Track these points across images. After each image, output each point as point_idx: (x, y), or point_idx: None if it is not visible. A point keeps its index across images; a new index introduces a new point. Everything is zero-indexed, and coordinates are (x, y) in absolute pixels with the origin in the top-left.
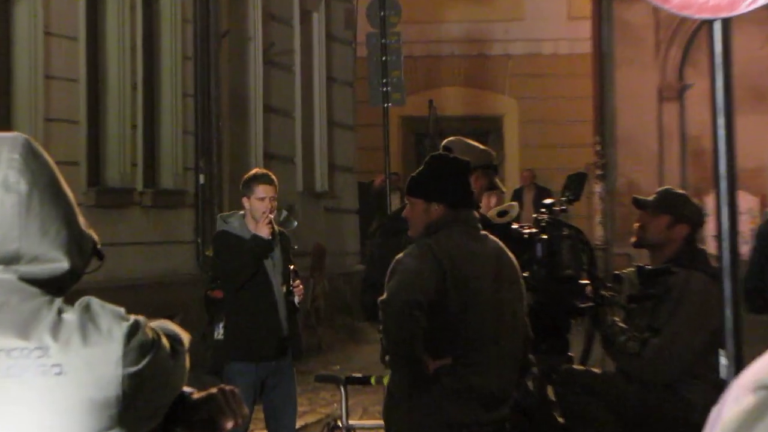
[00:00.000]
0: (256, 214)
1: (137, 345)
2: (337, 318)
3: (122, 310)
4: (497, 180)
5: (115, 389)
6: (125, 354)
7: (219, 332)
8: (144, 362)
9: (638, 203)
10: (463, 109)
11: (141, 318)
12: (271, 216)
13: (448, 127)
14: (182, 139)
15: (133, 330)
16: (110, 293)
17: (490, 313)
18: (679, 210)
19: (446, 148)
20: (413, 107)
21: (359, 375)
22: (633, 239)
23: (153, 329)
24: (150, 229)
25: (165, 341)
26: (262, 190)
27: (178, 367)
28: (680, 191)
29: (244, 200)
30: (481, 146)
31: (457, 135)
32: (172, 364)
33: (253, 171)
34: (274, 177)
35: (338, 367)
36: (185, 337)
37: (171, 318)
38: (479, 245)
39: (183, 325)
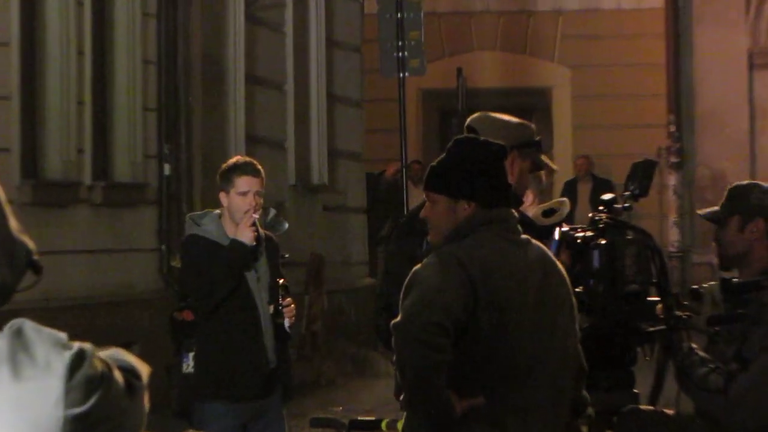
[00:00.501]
0: (237, 213)
1: (82, 380)
2: (340, 345)
3: (64, 336)
4: (544, 158)
5: None
6: (67, 391)
7: (188, 364)
8: (91, 402)
9: (708, 218)
10: (501, 80)
11: (87, 346)
12: (256, 216)
13: (482, 102)
14: (142, 118)
15: (78, 361)
16: (50, 315)
17: (532, 340)
18: (745, 202)
19: (470, 128)
20: (437, 77)
21: (367, 418)
22: (716, 260)
23: (102, 360)
24: (101, 234)
25: (118, 375)
26: (244, 183)
27: (134, 407)
28: (748, 182)
29: (222, 196)
30: (515, 119)
31: (494, 110)
32: (126, 404)
33: (233, 159)
34: (259, 166)
35: (341, 408)
36: (144, 370)
37: (127, 346)
38: (519, 253)
39: (143, 355)
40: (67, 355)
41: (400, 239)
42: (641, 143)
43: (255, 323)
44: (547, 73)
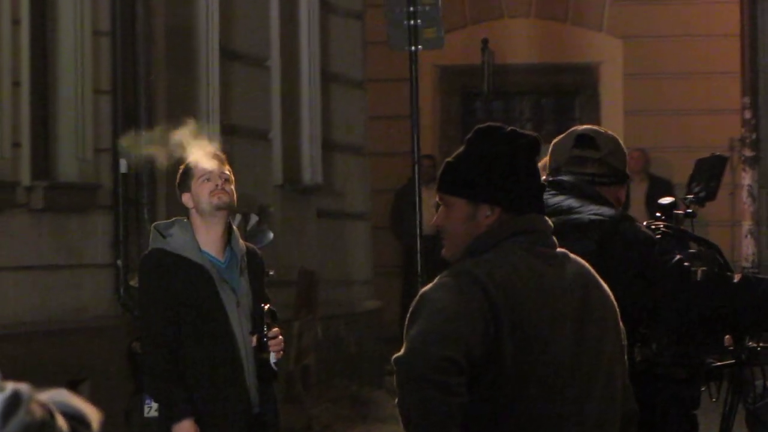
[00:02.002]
0: (203, 202)
1: (20, 429)
2: (337, 383)
3: None
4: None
5: None
6: None
7: (151, 407)
8: None
9: None
10: (536, 55)
11: (24, 387)
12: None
13: (512, 82)
14: (92, 103)
15: (12, 406)
16: None
17: (569, 381)
18: None
19: (582, 136)
20: (457, 52)
21: None
22: None
23: (42, 405)
24: (43, 246)
25: (61, 423)
26: (203, 165)
27: None
28: None
29: (185, 198)
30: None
31: (529, 92)
32: None
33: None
34: (221, 154)
35: None
36: (94, 415)
37: (75, 385)
38: (553, 271)
39: (95, 395)
40: (0, 399)
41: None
42: (709, 133)
43: (234, 358)
44: (594, 46)
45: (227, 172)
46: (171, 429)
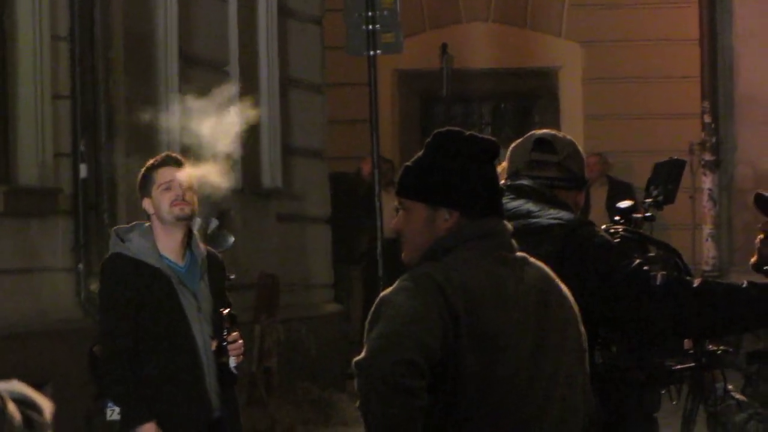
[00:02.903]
0: (164, 210)
1: None
2: (299, 386)
3: None
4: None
5: None
6: None
7: (113, 410)
8: None
9: (764, 204)
10: (495, 59)
11: None
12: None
13: (471, 87)
14: (52, 108)
15: None
16: None
17: (529, 380)
18: None
19: (546, 143)
20: (416, 57)
21: None
22: (753, 259)
23: None
24: (3, 250)
25: (12, 409)
26: (166, 173)
27: None
28: None
29: (146, 204)
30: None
31: (488, 96)
32: None
33: (151, 160)
34: (181, 159)
35: None
36: (46, 404)
37: (37, 389)
38: (513, 275)
39: (56, 400)
40: None
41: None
42: (669, 137)
43: (194, 363)
44: (553, 51)
45: (189, 179)
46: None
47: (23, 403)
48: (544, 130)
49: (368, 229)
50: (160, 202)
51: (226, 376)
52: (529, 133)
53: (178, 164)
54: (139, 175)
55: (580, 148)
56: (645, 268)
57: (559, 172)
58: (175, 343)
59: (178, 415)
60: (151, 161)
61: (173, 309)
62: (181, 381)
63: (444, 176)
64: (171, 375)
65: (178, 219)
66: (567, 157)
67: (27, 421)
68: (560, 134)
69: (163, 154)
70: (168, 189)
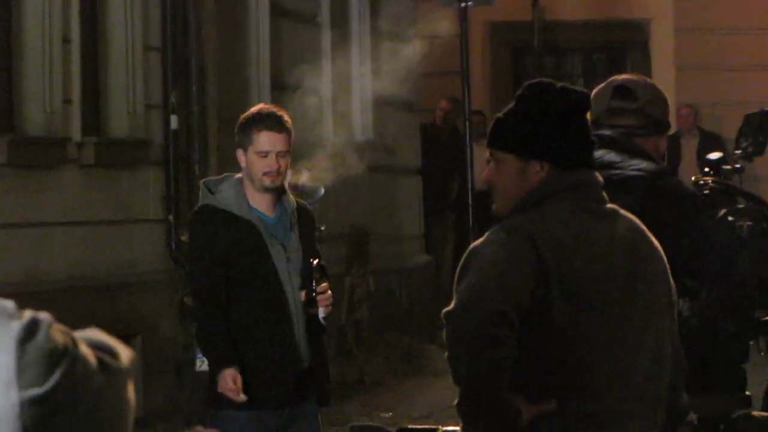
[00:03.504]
0: (256, 176)
1: (41, 354)
2: (389, 337)
3: (10, 304)
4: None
5: (7, 426)
6: (21, 369)
7: (203, 361)
8: (53, 380)
9: None
10: (586, 11)
11: (44, 315)
12: (284, 180)
13: (563, 38)
14: (142, 59)
15: (31, 332)
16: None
17: (619, 336)
18: None
19: (627, 90)
20: (507, 8)
21: (419, 426)
22: None
23: (64, 332)
24: (93, 201)
25: (86, 351)
26: (265, 141)
27: (111, 390)
28: None
29: (239, 154)
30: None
31: (579, 48)
32: (100, 384)
33: (255, 109)
34: (287, 118)
35: (390, 413)
36: (125, 351)
37: (128, 339)
38: (604, 227)
39: (146, 350)
40: (17, 326)
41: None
42: (760, 89)
43: (284, 314)
44: (645, 1)
45: (288, 147)
46: (217, 378)
47: (98, 347)
48: (625, 76)
49: (457, 180)
50: (253, 165)
51: (315, 326)
52: (609, 79)
53: (281, 128)
54: (240, 123)
55: (671, 99)
56: (730, 218)
57: (638, 120)
58: (264, 294)
59: (268, 364)
60: (255, 112)
61: (262, 260)
62: (271, 331)
63: (536, 128)
64: (260, 325)
65: (267, 189)
66: (647, 103)
67: (102, 365)
68: (641, 78)
69: (267, 111)
70: (265, 157)
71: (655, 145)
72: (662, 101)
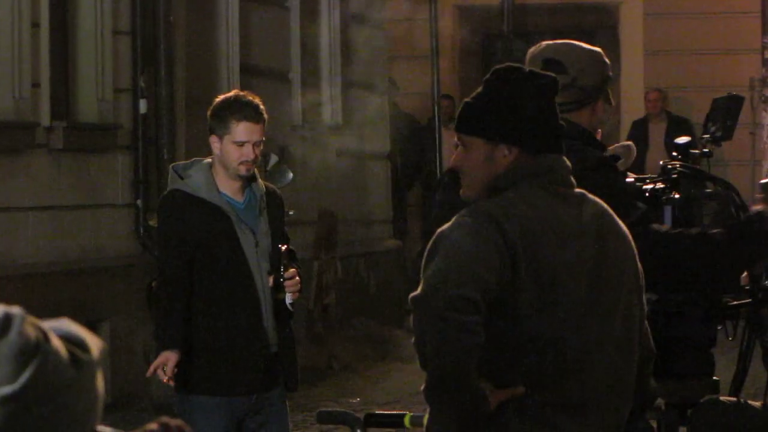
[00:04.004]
0: (231, 164)
1: (13, 350)
2: (357, 323)
3: None
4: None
5: None
6: None
7: None
8: (24, 377)
9: None
10: None
11: (16, 310)
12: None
13: (532, 22)
14: (111, 42)
15: (3, 329)
16: None
17: (587, 320)
18: None
19: (551, 61)
20: None
21: (387, 412)
22: None
23: (36, 326)
24: (62, 186)
25: (58, 344)
26: (242, 131)
27: (81, 385)
28: None
29: (213, 141)
30: (595, 48)
31: (549, 32)
32: (71, 379)
33: (231, 94)
34: (262, 107)
35: (357, 399)
36: (95, 343)
37: (94, 325)
38: (572, 212)
39: (114, 336)
40: None
41: (447, 196)
42: (729, 73)
43: (252, 299)
44: None
45: (262, 136)
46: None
47: (69, 340)
48: (554, 43)
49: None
50: (229, 154)
51: (283, 312)
52: (541, 47)
53: (258, 119)
54: (215, 109)
55: (640, 83)
56: (649, 217)
57: (570, 95)
58: (233, 279)
59: (237, 350)
60: (231, 96)
61: (231, 245)
62: (239, 317)
63: (504, 112)
64: (229, 311)
65: (241, 177)
66: (580, 73)
67: (73, 358)
68: (570, 46)
69: (245, 99)
70: (241, 146)
71: (590, 116)
72: (597, 65)
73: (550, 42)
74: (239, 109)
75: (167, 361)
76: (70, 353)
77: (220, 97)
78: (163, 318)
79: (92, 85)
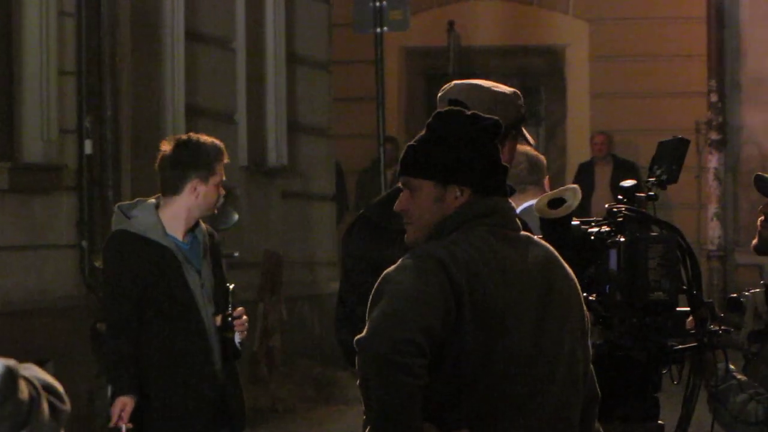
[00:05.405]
0: (210, 205)
1: (12, 411)
2: (301, 365)
3: None
4: (525, 134)
5: None
6: None
7: None
8: None
9: (764, 185)
10: (501, 37)
11: (12, 363)
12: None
13: (478, 64)
14: (57, 84)
15: (8, 386)
16: None
17: (532, 363)
18: None
19: (455, 102)
20: (422, 34)
21: None
22: (754, 241)
23: (28, 381)
24: (6, 226)
25: (44, 400)
26: (223, 171)
27: (56, 430)
28: None
29: (195, 184)
30: (507, 88)
31: (494, 74)
32: (51, 428)
33: (208, 139)
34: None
35: None
36: (61, 390)
37: (40, 365)
38: (517, 254)
39: (58, 378)
40: None
41: (361, 238)
42: (674, 116)
43: (202, 340)
44: (560, 28)
45: None
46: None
47: (48, 390)
48: (463, 82)
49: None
50: (211, 195)
51: (231, 351)
52: (449, 88)
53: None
54: (199, 154)
55: (586, 126)
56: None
57: None
58: (182, 320)
59: (186, 390)
60: (212, 144)
61: (180, 286)
62: (190, 358)
63: (455, 153)
64: (179, 352)
65: (201, 216)
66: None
67: (53, 410)
68: (482, 85)
69: (217, 142)
70: (218, 186)
71: None
72: (503, 106)
73: (459, 82)
74: (221, 151)
75: (125, 406)
76: (50, 405)
77: (197, 141)
78: (114, 363)
79: (37, 126)
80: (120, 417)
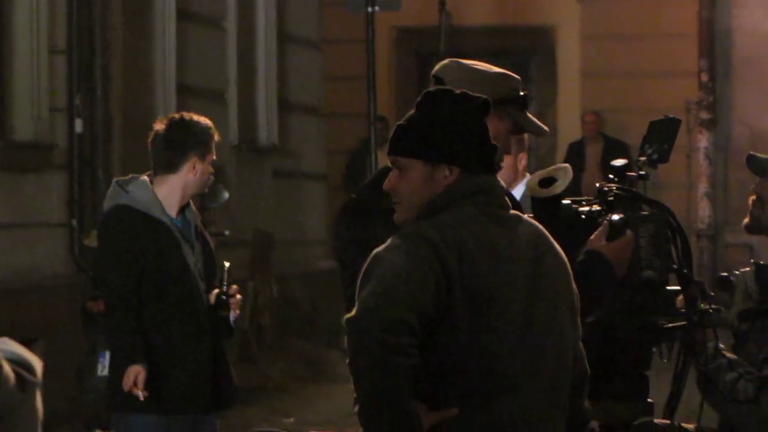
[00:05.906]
0: (204, 182)
1: None
2: (292, 343)
3: None
4: (530, 117)
5: None
6: None
7: (104, 366)
8: None
9: (756, 165)
10: (493, 16)
11: None
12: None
13: (469, 43)
14: (47, 62)
15: None
16: None
17: (522, 341)
18: None
19: (437, 79)
20: (414, 13)
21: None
22: (746, 220)
23: None
24: None
25: (7, 369)
26: (213, 149)
27: (27, 402)
28: None
29: (194, 163)
30: (494, 69)
31: (485, 54)
32: (19, 399)
33: (200, 119)
34: None
35: (292, 419)
36: (36, 363)
37: (28, 344)
38: (507, 233)
39: (47, 356)
40: None
41: (351, 221)
42: (665, 96)
43: (198, 317)
44: (551, 8)
45: None
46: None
47: (15, 362)
48: (451, 60)
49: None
50: (207, 172)
51: (224, 329)
52: (438, 66)
53: None
54: (197, 134)
55: (576, 105)
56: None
57: None
58: (178, 296)
59: (178, 368)
60: (205, 124)
61: (178, 263)
62: (185, 336)
63: (444, 132)
64: (175, 329)
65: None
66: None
67: (20, 381)
68: (464, 63)
69: (209, 123)
70: (210, 163)
71: None
72: (482, 83)
73: (447, 60)
74: (213, 130)
75: (138, 374)
76: (18, 376)
77: (192, 120)
78: (121, 335)
79: (28, 104)
80: (135, 385)
